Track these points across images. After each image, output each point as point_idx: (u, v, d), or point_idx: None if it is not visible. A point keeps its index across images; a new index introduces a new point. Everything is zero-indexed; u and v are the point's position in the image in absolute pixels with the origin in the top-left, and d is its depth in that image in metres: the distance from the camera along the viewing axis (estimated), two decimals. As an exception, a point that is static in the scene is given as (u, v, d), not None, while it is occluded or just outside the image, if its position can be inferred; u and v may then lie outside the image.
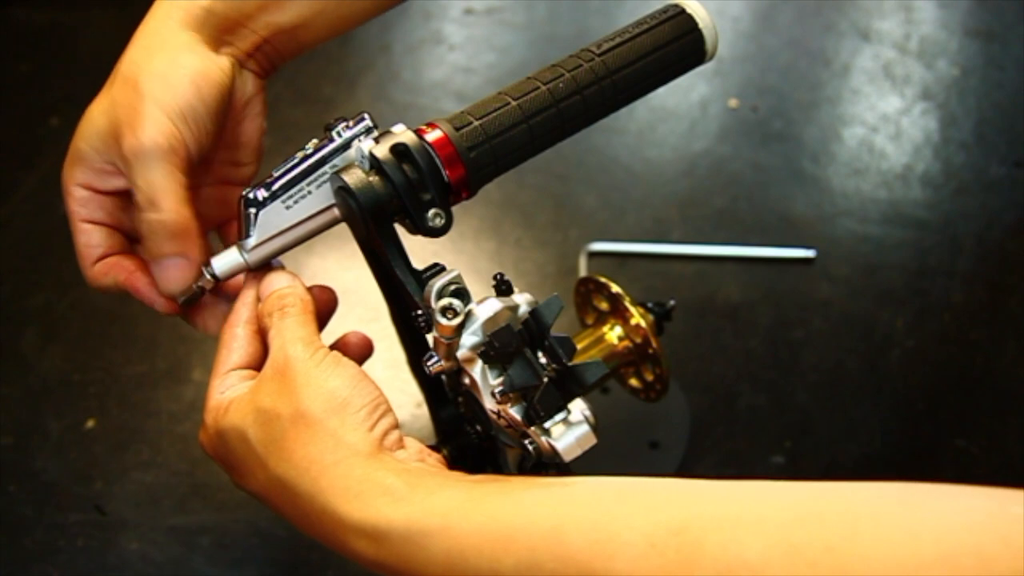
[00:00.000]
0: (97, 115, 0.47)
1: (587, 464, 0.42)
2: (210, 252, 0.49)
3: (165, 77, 0.45)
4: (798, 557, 0.29)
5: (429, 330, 0.44)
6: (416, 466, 0.41)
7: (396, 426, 0.43)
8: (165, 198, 0.45)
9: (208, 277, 0.48)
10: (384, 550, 0.38)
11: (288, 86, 1.18)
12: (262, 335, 0.47)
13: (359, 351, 0.51)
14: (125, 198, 0.49)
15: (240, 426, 0.42)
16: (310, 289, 0.49)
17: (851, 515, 0.30)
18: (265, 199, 0.47)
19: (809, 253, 1.00)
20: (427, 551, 0.37)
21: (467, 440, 0.50)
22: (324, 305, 0.50)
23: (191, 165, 0.47)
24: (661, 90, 0.51)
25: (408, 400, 0.85)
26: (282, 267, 0.49)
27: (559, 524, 0.35)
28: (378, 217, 0.45)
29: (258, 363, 0.47)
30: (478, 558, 0.36)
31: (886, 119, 1.16)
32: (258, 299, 0.48)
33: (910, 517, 0.29)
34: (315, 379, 0.42)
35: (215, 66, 0.47)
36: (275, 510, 0.44)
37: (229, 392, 0.45)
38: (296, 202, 0.47)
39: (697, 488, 0.35)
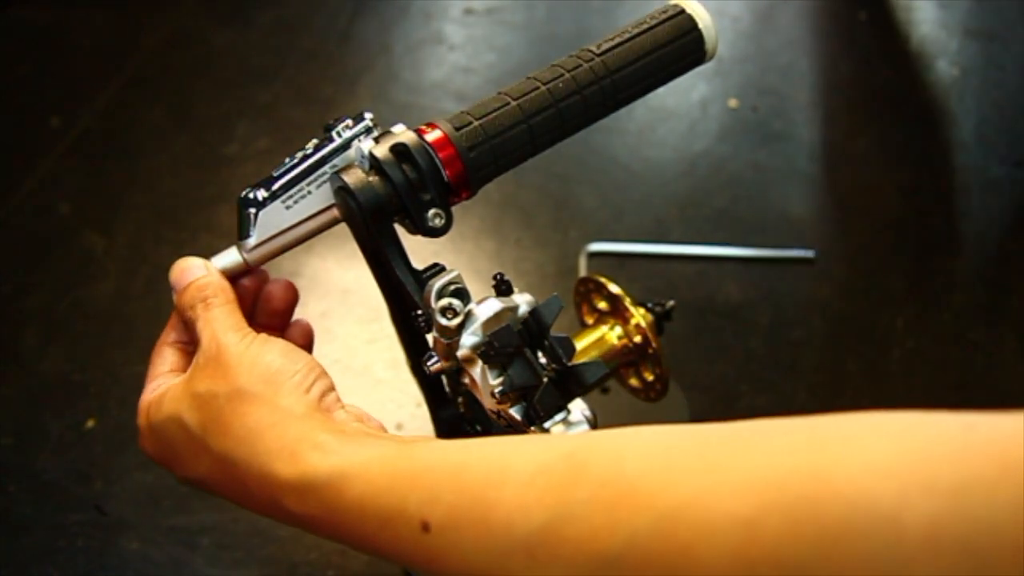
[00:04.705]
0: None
1: (587, 464, 0.42)
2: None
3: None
4: (674, 465, 0.30)
5: (429, 330, 0.44)
6: (354, 426, 0.41)
7: (332, 388, 0.43)
8: None
9: None
10: (309, 502, 0.38)
11: (288, 86, 1.18)
12: (188, 345, 0.47)
13: (303, 341, 0.52)
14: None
15: (176, 412, 0.43)
16: (272, 282, 0.50)
17: (733, 431, 0.31)
18: (265, 199, 0.47)
19: (809, 253, 1.00)
20: (344, 495, 0.37)
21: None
22: (284, 302, 0.50)
23: None
24: (661, 90, 0.52)
25: (408, 400, 0.85)
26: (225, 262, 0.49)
27: (464, 461, 0.36)
28: (378, 217, 0.45)
29: (185, 368, 0.47)
30: (388, 497, 0.36)
31: (886, 119, 1.16)
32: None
33: (781, 429, 0.30)
34: (247, 358, 0.42)
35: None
36: (219, 492, 0.43)
37: (159, 389, 0.45)
38: (296, 202, 0.47)
39: (602, 430, 0.36)
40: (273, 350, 0.43)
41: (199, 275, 0.46)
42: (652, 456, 0.31)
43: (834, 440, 0.28)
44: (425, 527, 0.35)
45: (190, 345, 0.48)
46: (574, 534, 0.31)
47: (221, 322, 0.44)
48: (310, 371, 0.42)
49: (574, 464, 0.32)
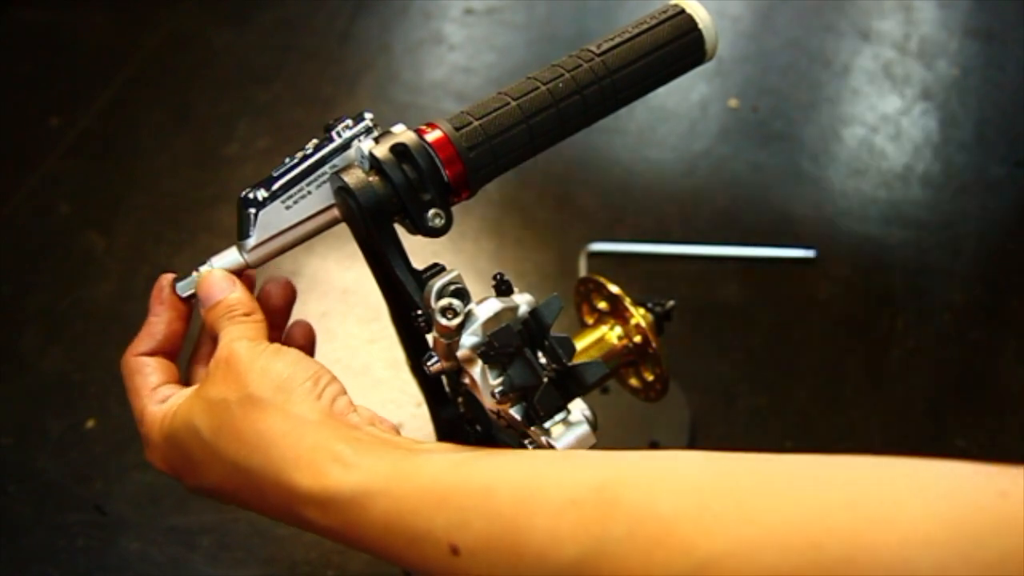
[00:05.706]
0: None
1: (587, 464, 0.42)
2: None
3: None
4: (708, 508, 0.31)
5: (429, 330, 0.44)
6: (368, 431, 0.41)
7: (343, 392, 0.43)
8: None
9: None
10: (331, 515, 0.39)
11: (288, 86, 1.18)
12: (169, 357, 0.48)
13: (304, 341, 0.52)
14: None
15: (188, 419, 0.43)
16: (270, 281, 0.50)
17: (764, 474, 0.32)
18: (265, 199, 0.47)
19: (809, 253, 1.00)
20: (369, 513, 0.38)
21: (467, 440, 0.50)
22: (282, 300, 0.51)
23: None
24: (661, 90, 0.52)
25: (408, 400, 0.85)
26: (237, 277, 0.49)
27: (490, 484, 0.36)
28: (378, 217, 0.45)
29: (178, 379, 0.47)
30: (414, 518, 0.36)
31: (886, 119, 1.16)
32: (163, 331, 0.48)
33: (813, 478, 0.31)
34: (259, 364, 0.42)
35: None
36: (232, 500, 0.43)
37: (172, 400, 0.45)
38: (296, 202, 0.48)
39: (627, 455, 0.36)
40: (284, 359, 0.43)
41: (228, 292, 0.47)
42: (685, 495, 0.32)
43: (870, 500, 0.29)
44: (455, 551, 0.35)
45: (168, 355, 0.48)
46: (609, 571, 0.31)
47: (239, 331, 0.45)
48: (320, 377, 0.42)
49: (606, 499, 0.33)
